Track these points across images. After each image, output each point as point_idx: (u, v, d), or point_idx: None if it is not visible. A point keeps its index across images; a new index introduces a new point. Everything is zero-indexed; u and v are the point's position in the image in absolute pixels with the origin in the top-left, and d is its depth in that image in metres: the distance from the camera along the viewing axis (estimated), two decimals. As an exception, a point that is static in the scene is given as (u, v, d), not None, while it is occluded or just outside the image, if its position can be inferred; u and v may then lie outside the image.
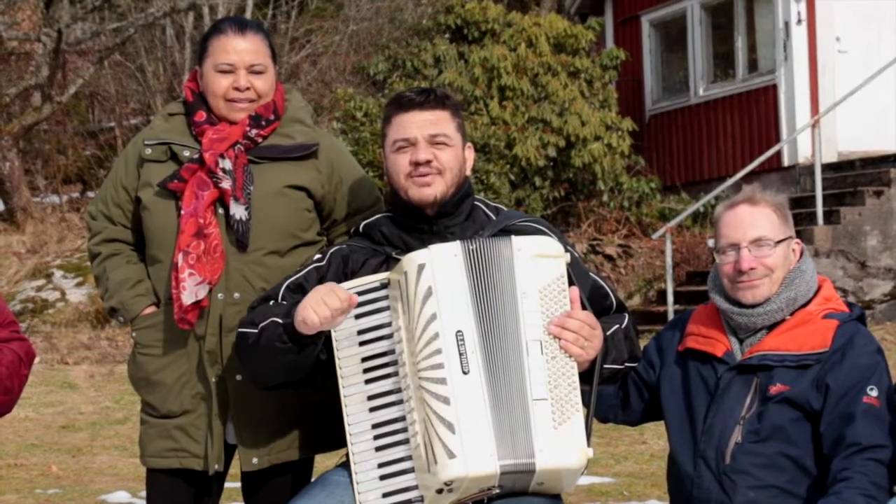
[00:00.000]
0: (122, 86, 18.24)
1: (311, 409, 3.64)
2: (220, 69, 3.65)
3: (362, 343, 3.30)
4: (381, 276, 3.33)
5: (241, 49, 3.65)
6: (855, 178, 13.93)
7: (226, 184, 3.59)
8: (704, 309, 3.62)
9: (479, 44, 15.47)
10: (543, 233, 3.42)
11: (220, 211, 3.63)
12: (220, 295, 3.60)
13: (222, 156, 3.60)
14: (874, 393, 3.34)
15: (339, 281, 3.38)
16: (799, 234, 3.59)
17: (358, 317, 3.31)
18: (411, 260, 3.24)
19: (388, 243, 3.46)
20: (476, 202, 3.52)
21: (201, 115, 3.69)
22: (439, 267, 3.22)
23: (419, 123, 3.40)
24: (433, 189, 3.39)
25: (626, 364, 3.49)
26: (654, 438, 8.36)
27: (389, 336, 3.28)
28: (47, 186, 16.86)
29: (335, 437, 3.65)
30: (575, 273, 3.36)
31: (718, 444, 3.41)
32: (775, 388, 3.39)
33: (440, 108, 3.43)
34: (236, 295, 3.61)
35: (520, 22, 15.49)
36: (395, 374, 3.26)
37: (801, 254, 3.54)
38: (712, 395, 3.47)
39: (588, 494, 6.98)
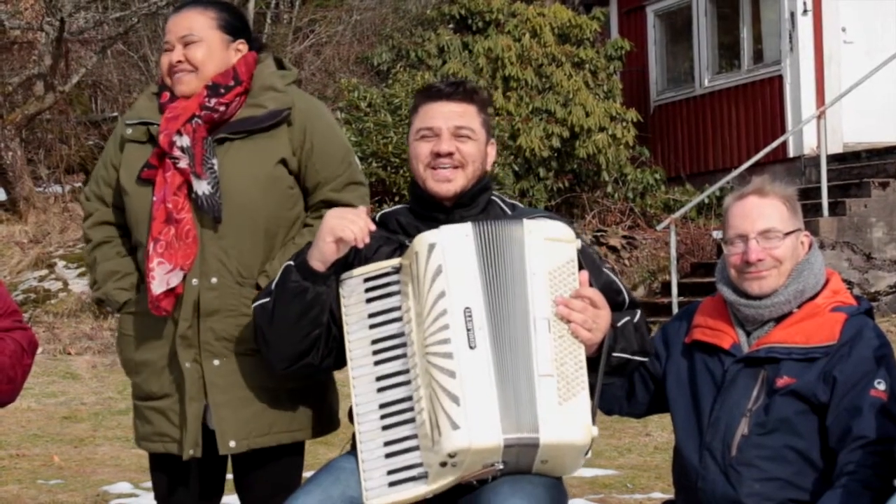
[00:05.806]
0: (125, 75, 18.20)
1: (289, 396, 3.62)
2: (164, 49, 3.74)
3: (372, 326, 3.34)
4: (394, 262, 3.36)
5: (173, 28, 3.72)
6: (860, 169, 13.88)
7: (183, 163, 3.56)
8: (712, 301, 3.61)
9: (484, 34, 15.43)
10: None
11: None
12: (194, 280, 3.58)
13: (179, 132, 3.58)
14: (881, 386, 3.33)
15: (346, 264, 3.40)
16: (804, 226, 3.57)
17: (369, 301, 3.35)
18: (423, 240, 3.28)
19: (402, 231, 3.48)
20: (493, 197, 3.56)
21: (165, 96, 3.73)
22: (450, 246, 3.25)
23: (445, 114, 3.44)
24: (453, 185, 3.43)
25: (636, 356, 3.47)
26: (657, 430, 8.34)
27: (399, 319, 3.31)
28: (50, 176, 16.82)
29: (314, 425, 3.69)
30: (588, 267, 3.39)
31: (724, 436, 3.41)
32: (782, 381, 3.38)
33: (468, 102, 3.47)
34: (213, 280, 3.59)
35: (524, 12, 15.44)
36: (404, 355, 3.28)
37: (810, 246, 3.53)
38: (719, 387, 3.46)
39: (591, 486, 6.97)
